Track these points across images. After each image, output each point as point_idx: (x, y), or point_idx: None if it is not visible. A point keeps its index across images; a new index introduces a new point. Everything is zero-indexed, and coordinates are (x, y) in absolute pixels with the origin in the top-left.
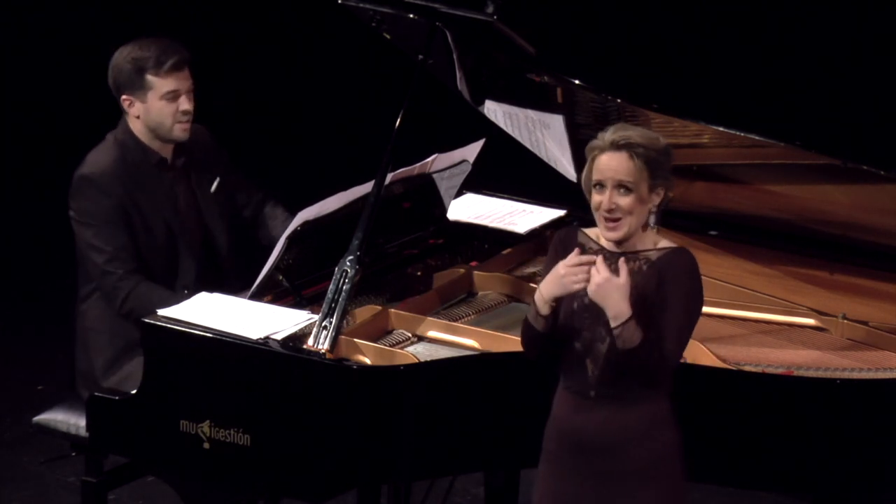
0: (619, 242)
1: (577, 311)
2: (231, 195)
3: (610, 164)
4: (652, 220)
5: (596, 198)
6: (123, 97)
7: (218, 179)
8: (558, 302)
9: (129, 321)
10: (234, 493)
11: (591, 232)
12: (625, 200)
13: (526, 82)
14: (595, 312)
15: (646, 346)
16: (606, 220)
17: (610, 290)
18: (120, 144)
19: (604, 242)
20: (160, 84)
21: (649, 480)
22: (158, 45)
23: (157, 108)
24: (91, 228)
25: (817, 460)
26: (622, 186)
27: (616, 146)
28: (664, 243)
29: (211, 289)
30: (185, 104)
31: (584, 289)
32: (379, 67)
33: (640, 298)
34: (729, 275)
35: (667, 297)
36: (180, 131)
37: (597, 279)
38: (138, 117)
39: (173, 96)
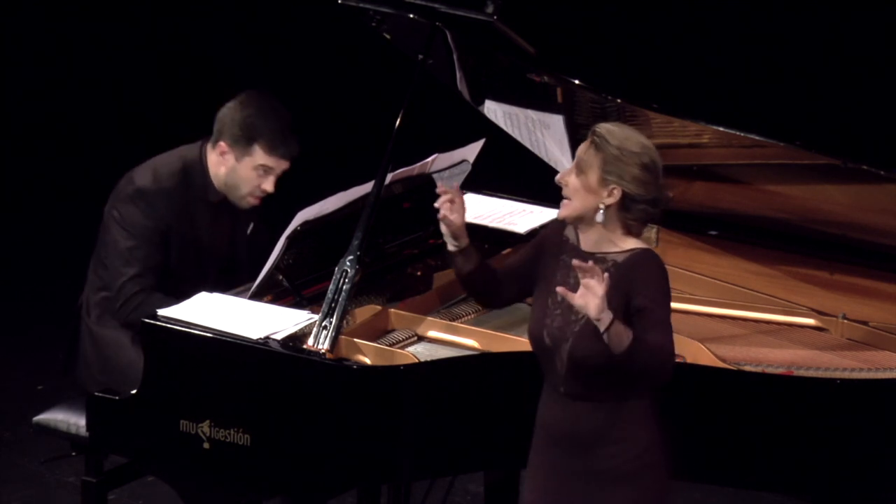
0: (583, 235)
1: (550, 307)
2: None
3: (580, 146)
4: (599, 216)
5: None
6: (221, 143)
7: (252, 224)
8: (458, 239)
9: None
10: (234, 493)
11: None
12: (572, 179)
13: (526, 82)
14: (565, 310)
15: (638, 347)
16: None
17: (589, 298)
18: (187, 169)
19: (580, 240)
20: (261, 159)
21: (621, 481)
22: (278, 125)
23: (245, 175)
24: (131, 240)
25: (817, 460)
26: (578, 166)
27: (591, 133)
28: (632, 244)
29: None
30: (269, 185)
31: (557, 285)
32: (379, 67)
33: (612, 301)
34: (729, 275)
35: (640, 294)
36: (248, 204)
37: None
38: (222, 165)
39: (265, 172)
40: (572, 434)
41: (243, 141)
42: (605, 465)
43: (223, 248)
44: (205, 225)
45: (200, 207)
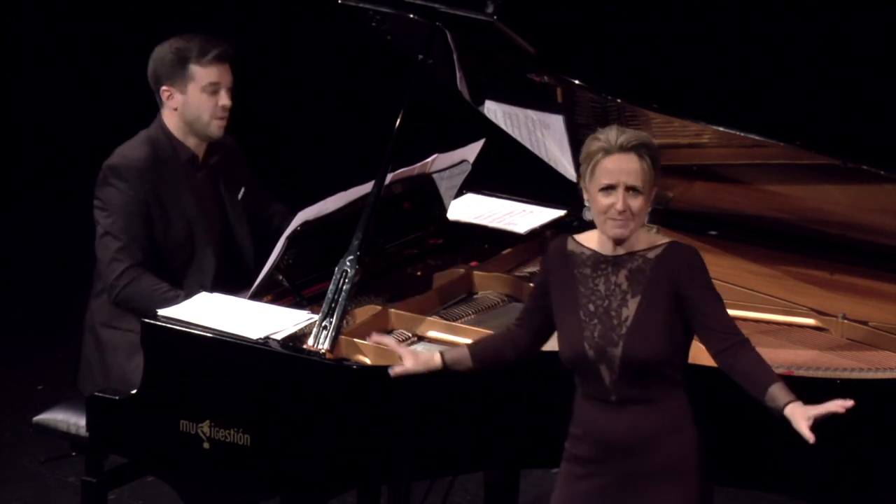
0: (618, 243)
1: (584, 319)
2: (255, 205)
3: (621, 166)
4: (646, 219)
5: (604, 201)
6: (163, 88)
7: (243, 189)
8: (427, 364)
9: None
10: (234, 493)
11: (581, 238)
12: (636, 202)
13: (526, 82)
14: (603, 317)
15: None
16: (615, 220)
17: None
18: (152, 141)
19: (595, 246)
20: (202, 74)
21: (677, 476)
22: (202, 37)
23: (197, 100)
24: (110, 216)
25: (817, 460)
26: (633, 189)
27: (624, 148)
28: (659, 239)
29: (232, 291)
30: (224, 99)
31: (584, 298)
32: (379, 67)
33: (657, 296)
34: (729, 275)
35: (700, 294)
36: (217, 127)
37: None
38: (176, 109)
39: (214, 89)
40: (628, 440)
41: (178, 68)
42: (660, 465)
43: (214, 214)
44: (187, 190)
45: (175, 171)
